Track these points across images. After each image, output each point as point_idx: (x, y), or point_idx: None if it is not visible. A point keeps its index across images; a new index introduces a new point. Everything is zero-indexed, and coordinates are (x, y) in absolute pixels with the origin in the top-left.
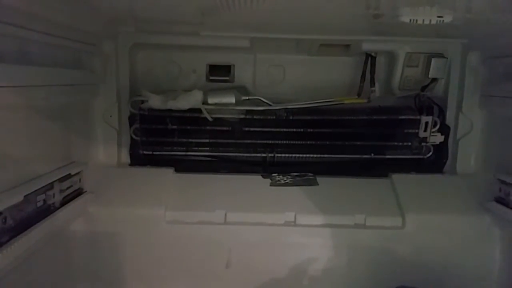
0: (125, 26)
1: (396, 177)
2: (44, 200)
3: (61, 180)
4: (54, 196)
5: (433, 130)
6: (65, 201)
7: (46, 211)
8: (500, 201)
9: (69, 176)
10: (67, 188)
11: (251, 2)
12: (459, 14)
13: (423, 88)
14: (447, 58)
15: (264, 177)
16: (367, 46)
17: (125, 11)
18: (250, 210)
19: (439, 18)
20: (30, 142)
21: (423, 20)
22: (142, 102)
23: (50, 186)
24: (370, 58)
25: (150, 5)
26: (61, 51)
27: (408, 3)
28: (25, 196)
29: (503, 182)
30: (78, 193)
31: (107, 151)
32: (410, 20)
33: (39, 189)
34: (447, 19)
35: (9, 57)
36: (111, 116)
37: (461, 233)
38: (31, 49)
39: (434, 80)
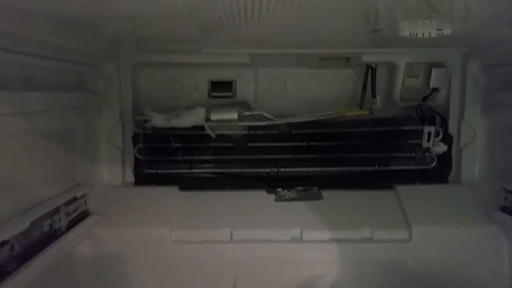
0: (127, 46)
1: (401, 188)
2: (51, 225)
3: (67, 203)
4: (60, 220)
5: (436, 140)
6: (71, 225)
7: (53, 236)
8: (506, 210)
9: (74, 199)
10: (73, 211)
11: (251, 19)
12: (458, 26)
13: (425, 98)
14: (447, 67)
15: (268, 192)
16: (367, 58)
17: (126, 32)
18: (256, 227)
19: (438, 31)
20: (35, 166)
21: (423, 34)
22: (146, 121)
23: (56, 210)
24: (370, 70)
25: (151, 25)
26: (63, 74)
27: (407, 17)
28: (31, 223)
29: (508, 191)
30: (84, 215)
31: (111, 171)
32: (410, 34)
33: (45, 214)
34: (447, 31)
35: (14, 83)
36: (115, 136)
37: (468, 244)
38: (35, 74)
39: (435, 89)
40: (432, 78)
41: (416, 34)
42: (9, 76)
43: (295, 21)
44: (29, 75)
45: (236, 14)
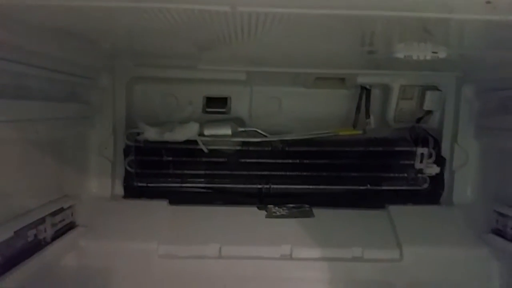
0: (123, 60)
1: (393, 208)
2: (35, 235)
3: (53, 214)
4: (45, 231)
5: (429, 161)
6: (57, 236)
7: (37, 246)
8: (497, 233)
9: (61, 210)
10: (59, 222)
11: (248, 38)
12: (453, 50)
13: (418, 120)
14: (441, 90)
15: (259, 208)
16: (361, 80)
17: (123, 47)
18: (245, 244)
19: (433, 54)
20: (23, 175)
21: (418, 56)
22: (138, 134)
23: (42, 220)
24: (365, 91)
25: (148, 41)
26: (58, 85)
27: (402, 39)
28: (15, 232)
29: (500, 213)
30: (70, 227)
31: (101, 183)
32: (405, 56)
33: (30, 224)
34: (442, 55)
35: (7, 91)
36: (106, 148)
37: (460, 266)
38: (29, 83)
39: (429, 112)
40: (426, 101)
41: (411, 56)
42: (1, 84)
43: (291, 41)
44: (22, 84)
45: (233, 32)
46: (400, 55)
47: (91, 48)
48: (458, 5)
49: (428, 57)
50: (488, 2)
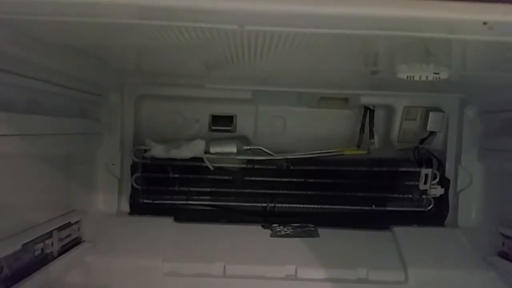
0: (132, 78)
1: (397, 230)
2: (42, 249)
3: (60, 228)
4: (52, 245)
5: (433, 182)
6: (63, 250)
7: (44, 260)
8: (503, 255)
9: (68, 224)
10: (66, 237)
11: (254, 58)
12: (455, 71)
13: (422, 141)
14: (444, 112)
15: (264, 227)
16: (365, 100)
17: (132, 66)
18: (249, 263)
19: (435, 75)
20: (31, 189)
21: (420, 77)
22: (145, 150)
23: (49, 234)
24: (368, 111)
25: (157, 60)
26: (68, 101)
27: (405, 60)
28: (23, 245)
29: (506, 236)
30: (76, 242)
31: (107, 199)
32: (407, 76)
33: (37, 237)
34: (443, 75)
35: (19, 106)
36: (113, 164)
37: None
38: (39, 99)
39: (432, 133)
40: (429, 122)
41: (413, 76)
42: (12, 98)
43: (296, 60)
44: (32, 99)
45: (240, 51)
46: (403, 75)
47: (101, 66)
48: (457, 25)
49: (430, 78)
50: (485, 23)
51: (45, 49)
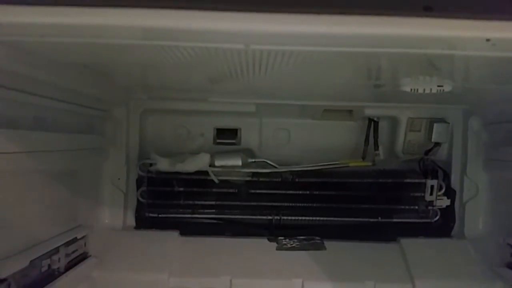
0: (137, 93)
1: (404, 241)
2: (49, 265)
3: (67, 244)
4: (59, 261)
5: (439, 193)
6: (70, 266)
7: (51, 276)
8: (511, 266)
9: (75, 240)
10: (73, 252)
11: (259, 72)
12: (458, 83)
13: (427, 152)
14: (449, 123)
15: (270, 240)
16: (369, 112)
17: (137, 81)
18: (256, 276)
19: (439, 88)
20: (38, 205)
21: (424, 90)
22: (151, 165)
23: (56, 250)
24: (373, 123)
25: (161, 76)
26: (74, 117)
27: (408, 73)
28: (30, 261)
29: None
30: (83, 257)
31: (113, 213)
32: (411, 89)
33: (45, 253)
34: (447, 88)
35: (26, 123)
36: (119, 179)
37: None
38: (46, 115)
39: (437, 144)
40: (434, 133)
41: (417, 89)
42: (19, 116)
43: (300, 75)
44: (39, 115)
45: (245, 67)
46: (407, 88)
47: (107, 82)
48: (461, 43)
49: (434, 91)
50: (488, 40)
51: (51, 67)
